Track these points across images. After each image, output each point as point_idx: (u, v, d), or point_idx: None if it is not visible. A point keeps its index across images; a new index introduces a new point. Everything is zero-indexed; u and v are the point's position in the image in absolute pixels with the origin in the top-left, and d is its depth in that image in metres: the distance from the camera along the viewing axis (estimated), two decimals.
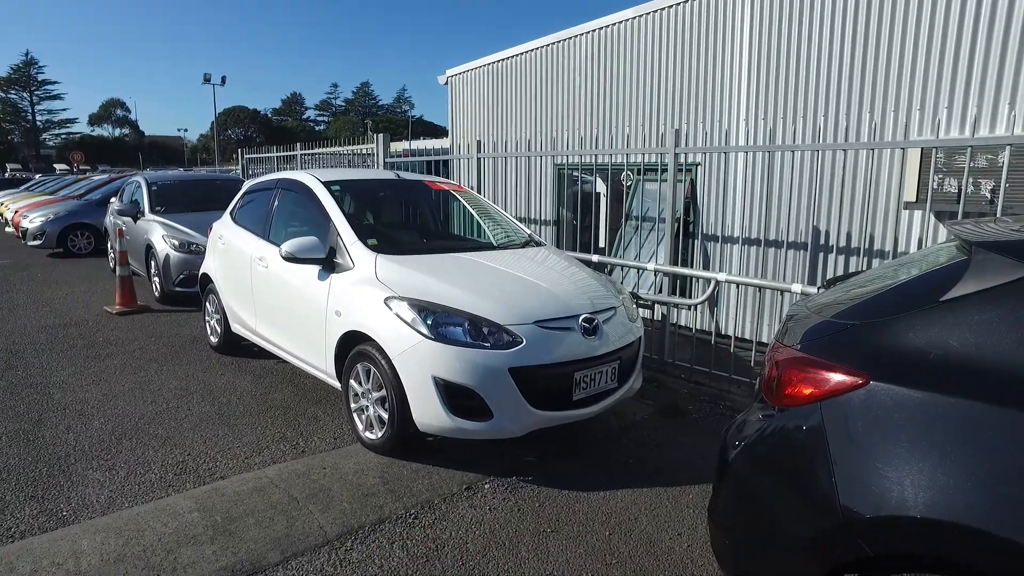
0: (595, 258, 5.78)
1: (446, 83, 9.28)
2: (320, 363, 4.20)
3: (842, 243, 5.50)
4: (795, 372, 1.92)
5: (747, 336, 5.97)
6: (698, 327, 5.29)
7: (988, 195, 4.20)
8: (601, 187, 8.21)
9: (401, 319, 3.47)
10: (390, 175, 5.10)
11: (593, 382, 3.66)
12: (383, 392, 3.60)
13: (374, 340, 3.59)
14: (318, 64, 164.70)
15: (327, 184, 4.52)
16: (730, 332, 6.15)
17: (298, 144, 10.85)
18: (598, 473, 3.66)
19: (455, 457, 3.74)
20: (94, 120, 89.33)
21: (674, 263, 5.54)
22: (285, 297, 4.50)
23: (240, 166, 13.30)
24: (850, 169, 5.39)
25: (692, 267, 6.51)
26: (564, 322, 3.58)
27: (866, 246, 5.33)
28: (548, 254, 4.62)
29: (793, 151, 4.42)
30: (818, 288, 2.66)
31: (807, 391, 1.86)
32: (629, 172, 7.16)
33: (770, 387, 2.05)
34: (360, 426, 3.88)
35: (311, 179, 4.64)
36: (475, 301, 3.53)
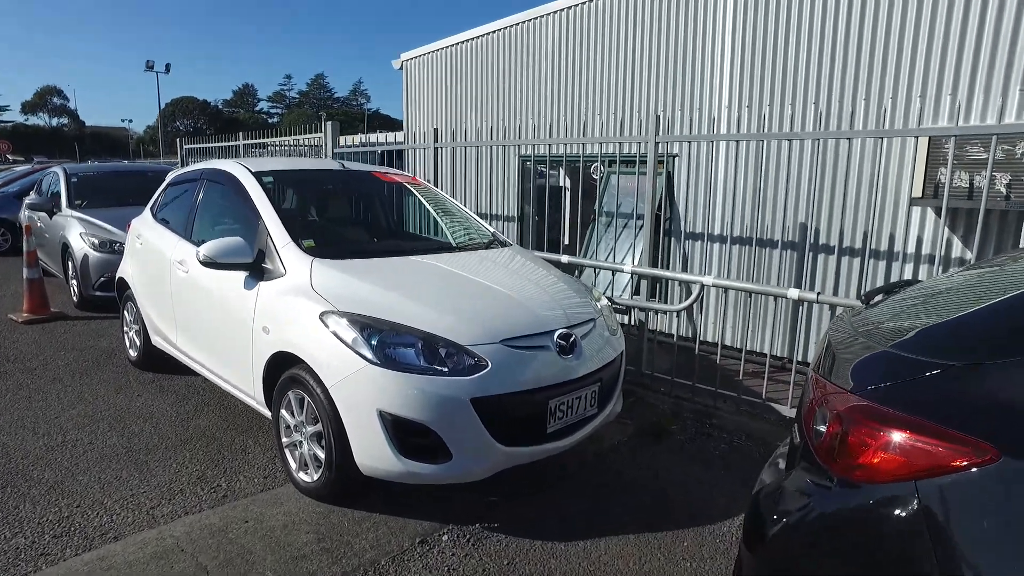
0: (565, 259, 5.24)
1: (401, 68, 8.61)
2: (247, 387, 3.55)
3: (834, 242, 5.08)
4: (871, 432, 1.38)
5: (729, 343, 5.52)
6: (680, 334, 4.80)
7: (1004, 190, 3.80)
8: (566, 181, 7.68)
9: (340, 339, 2.85)
10: (334, 165, 4.44)
11: (570, 409, 3.11)
12: (319, 426, 2.98)
13: (307, 364, 2.97)
14: (271, 54, 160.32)
15: (258, 175, 3.86)
16: (714, 339, 5.69)
17: (240, 134, 10.01)
18: (574, 516, 3.11)
19: (406, 501, 3.14)
20: (28, 108, 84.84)
21: (653, 264, 5.03)
22: (207, 308, 3.84)
23: (179, 157, 12.33)
24: (843, 161, 4.96)
25: (670, 269, 6.03)
26: (536, 339, 3.02)
27: (862, 245, 4.92)
28: (515, 256, 4.05)
29: (790, 140, 3.98)
30: (863, 301, 2.13)
31: (894, 465, 1.33)
32: (600, 164, 6.64)
33: (829, 449, 1.50)
34: (293, 465, 3.25)
35: (239, 169, 3.96)
36: (431, 316, 2.93)
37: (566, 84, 6.78)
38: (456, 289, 3.27)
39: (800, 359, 5.23)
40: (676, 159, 5.93)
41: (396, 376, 2.73)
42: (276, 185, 3.95)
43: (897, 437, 1.33)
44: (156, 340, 4.70)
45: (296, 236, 3.42)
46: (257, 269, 3.41)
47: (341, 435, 2.85)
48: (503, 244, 4.27)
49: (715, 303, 5.80)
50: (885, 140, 4.62)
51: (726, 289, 4.57)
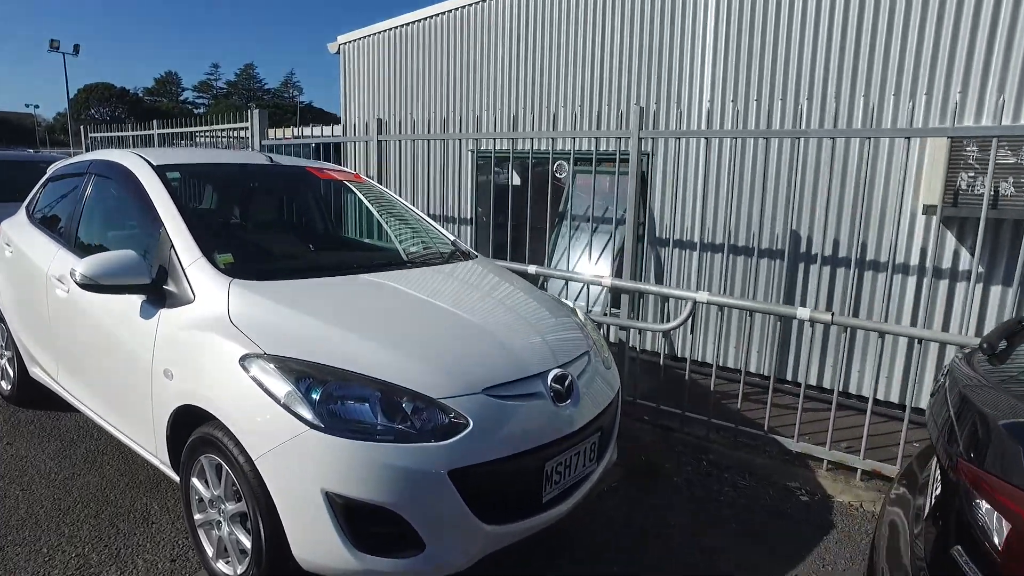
0: (532, 269, 4.60)
1: (338, 52, 7.76)
2: (147, 444, 2.75)
3: (828, 252, 4.63)
4: None
5: (708, 360, 5.00)
6: (663, 351, 4.25)
7: None
8: (516, 179, 7.04)
9: (268, 393, 2.11)
10: (260, 159, 3.63)
11: (568, 469, 2.47)
12: (243, 505, 2.23)
13: (224, 425, 2.21)
14: (196, 40, 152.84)
15: (160, 169, 3.03)
16: (697, 358, 5.17)
17: (155, 122, 8.89)
18: None
19: None
20: None
21: (635, 277, 4.46)
22: (93, 341, 3.00)
23: (84, 148, 11.00)
24: (841, 164, 4.52)
25: (643, 279, 5.49)
26: (526, 385, 2.36)
27: (862, 256, 4.48)
28: (485, 272, 3.37)
29: (797, 138, 3.48)
30: (986, 349, 1.57)
31: None
32: (564, 163, 6.03)
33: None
34: (209, 550, 2.48)
35: (135, 160, 3.12)
36: (390, 358, 2.23)
37: (529, 73, 6.13)
38: (420, 320, 2.57)
39: (794, 380, 4.79)
40: (650, 158, 5.38)
41: (347, 445, 2.02)
42: (184, 182, 3.14)
43: None
44: (35, 371, 3.79)
45: (209, 249, 2.63)
46: (157, 293, 2.61)
47: (273, 521, 2.11)
48: (467, 255, 3.59)
49: (702, 320, 5.27)
50: (889, 141, 4.20)
51: (720, 307, 4.03)
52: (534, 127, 5.97)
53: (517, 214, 4.92)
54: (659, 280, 5.42)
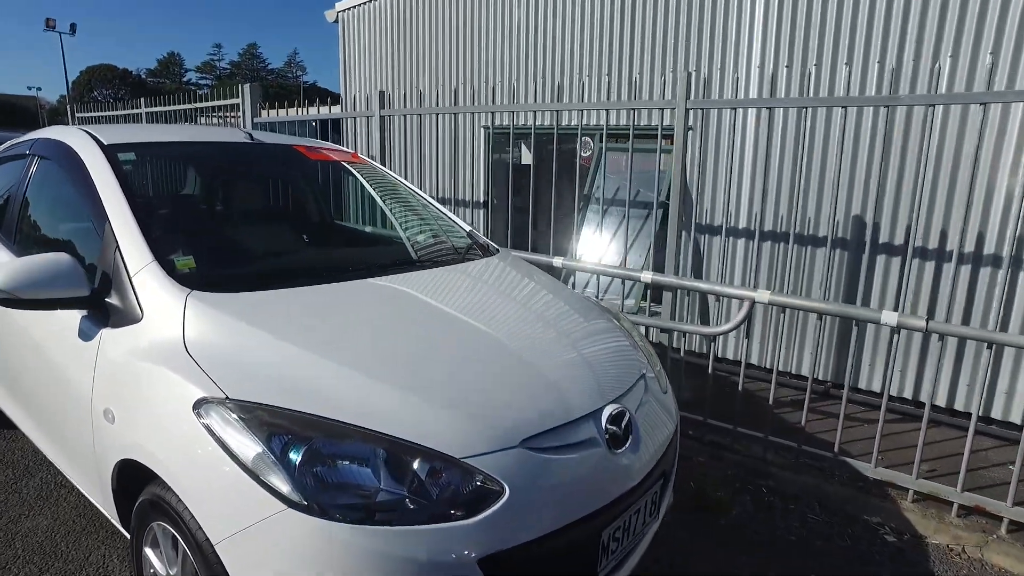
0: (557, 262, 4.03)
1: (336, 21, 7.11)
2: (94, 495, 2.20)
3: (899, 241, 4.02)
4: None
5: (753, 361, 4.42)
6: (709, 353, 3.68)
7: None
8: (528, 157, 6.42)
9: (230, 454, 1.55)
10: (238, 135, 3.02)
11: (627, 532, 1.92)
12: None
13: (176, 493, 1.66)
14: (198, 19, 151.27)
15: (109, 149, 2.45)
16: (737, 358, 4.61)
17: (142, 100, 8.28)
18: None
19: None
20: None
21: (677, 271, 3.88)
22: (30, 360, 2.44)
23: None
24: (938, 136, 3.89)
25: (680, 273, 4.90)
26: (576, 430, 1.80)
27: (959, 248, 3.87)
28: (513, 274, 2.77)
29: (886, 105, 2.85)
30: None
31: None
32: (588, 139, 5.41)
33: None
34: None
35: (81, 139, 2.53)
36: (399, 403, 1.67)
37: (549, 38, 5.48)
38: (437, 344, 1.98)
39: (854, 385, 4.21)
40: (690, 133, 4.75)
41: (339, 531, 1.46)
42: (141, 165, 2.57)
43: None
44: None
45: (163, 251, 2.05)
46: (98, 307, 2.05)
47: None
48: (486, 250, 2.99)
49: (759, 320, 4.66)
50: (992, 107, 3.54)
51: (784, 308, 3.45)
52: (557, 99, 5.34)
53: (538, 198, 4.33)
54: (697, 274, 4.83)
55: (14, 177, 2.93)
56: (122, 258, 2.04)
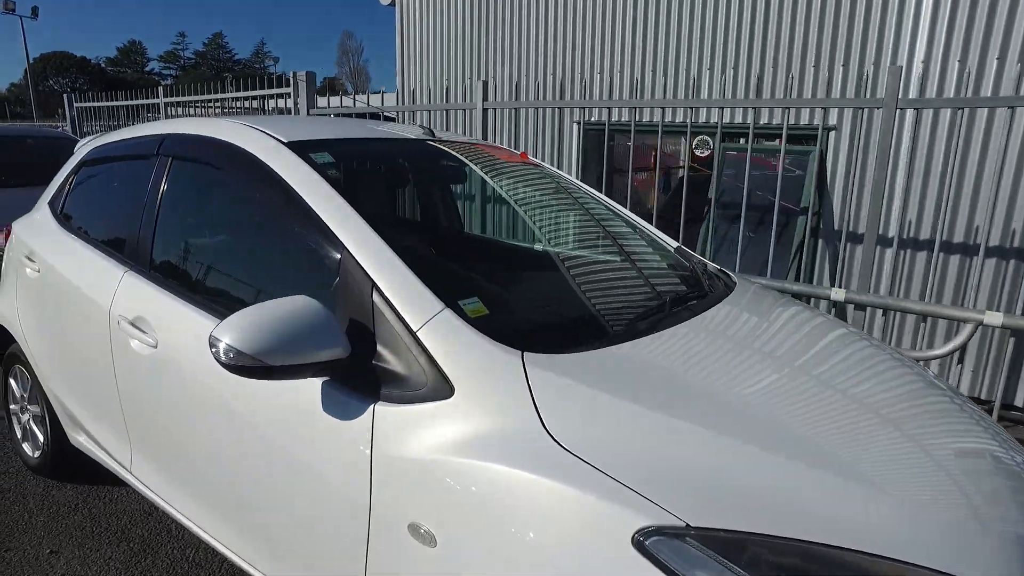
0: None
1: (392, 4, 6.47)
2: None
3: None
4: None
5: (969, 392, 3.96)
6: None
7: None
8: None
9: None
10: (414, 132, 2.43)
11: None
12: None
13: None
14: (160, 6, 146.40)
15: (299, 148, 1.86)
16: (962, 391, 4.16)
17: (160, 89, 7.51)
18: None
19: None
20: None
21: (868, 288, 3.42)
22: (221, 437, 1.83)
23: (69, 120, 9.50)
24: None
25: (816, 281, 4.45)
26: None
27: None
28: (797, 309, 2.16)
29: None
30: None
31: None
32: (706, 138, 4.93)
33: None
34: None
35: (251, 135, 1.93)
36: (893, 510, 1.15)
37: (660, 23, 4.94)
38: (858, 428, 1.43)
39: None
40: (832, 133, 4.30)
41: None
42: (339, 173, 1.98)
43: None
44: (79, 440, 2.63)
45: (447, 293, 1.50)
46: (364, 372, 1.48)
47: None
48: (723, 279, 2.36)
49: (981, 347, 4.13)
50: None
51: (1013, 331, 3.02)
52: (665, 94, 4.84)
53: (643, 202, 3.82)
54: (833, 280, 4.39)
55: (135, 186, 2.31)
56: (388, 303, 1.48)
